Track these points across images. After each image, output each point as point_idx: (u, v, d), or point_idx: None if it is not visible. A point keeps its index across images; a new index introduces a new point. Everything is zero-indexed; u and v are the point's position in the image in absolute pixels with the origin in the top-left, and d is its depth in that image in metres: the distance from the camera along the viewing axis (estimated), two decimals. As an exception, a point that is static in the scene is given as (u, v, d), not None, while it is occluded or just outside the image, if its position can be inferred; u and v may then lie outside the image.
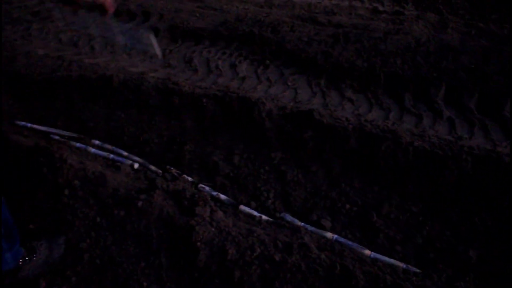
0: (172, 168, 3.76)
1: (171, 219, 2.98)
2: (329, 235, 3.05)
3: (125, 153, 4.00)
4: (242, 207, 3.31)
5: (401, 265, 2.86)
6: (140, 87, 4.14)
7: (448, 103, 3.94)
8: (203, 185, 3.55)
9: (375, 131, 3.25)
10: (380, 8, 5.54)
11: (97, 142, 4.13)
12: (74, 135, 4.18)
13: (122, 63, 4.77)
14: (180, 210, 3.01)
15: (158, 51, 3.52)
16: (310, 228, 3.10)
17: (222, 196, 3.44)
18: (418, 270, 2.84)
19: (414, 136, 3.21)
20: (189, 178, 3.63)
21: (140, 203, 3.11)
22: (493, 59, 4.25)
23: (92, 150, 4.01)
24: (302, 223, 3.14)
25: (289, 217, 3.21)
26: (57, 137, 4.12)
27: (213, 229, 2.83)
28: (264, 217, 3.21)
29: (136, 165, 3.86)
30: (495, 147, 3.51)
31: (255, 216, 3.22)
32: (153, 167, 3.84)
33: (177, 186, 3.23)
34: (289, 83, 4.25)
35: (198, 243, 2.79)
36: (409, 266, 2.86)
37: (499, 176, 3.05)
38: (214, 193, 3.46)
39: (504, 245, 2.94)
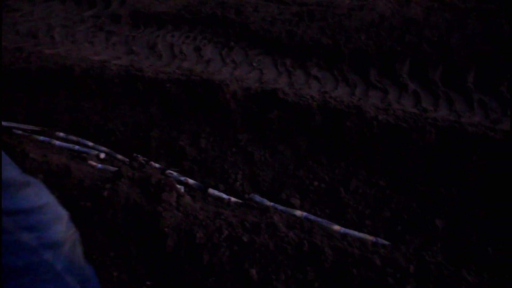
0: (139, 155, 3.70)
1: (138, 207, 2.93)
2: (298, 213, 3.05)
3: (90, 144, 3.93)
4: (210, 190, 3.28)
5: (370, 238, 2.88)
6: (102, 76, 4.05)
7: (413, 76, 3.96)
8: (171, 171, 3.51)
9: (340, 107, 3.24)
10: (345, -15, 5.51)
11: (61, 134, 4.04)
12: (37, 128, 4.08)
13: (84, 52, 4.66)
14: (147, 197, 2.96)
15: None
16: (279, 207, 3.10)
17: (190, 181, 3.40)
18: (387, 242, 2.86)
19: (379, 110, 3.22)
20: (157, 165, 3.58)
21: (105, 193, 3.05)
22: (456, 32, 4.28)
23: (57, 142, 3.92)
24: (272, 203, 3.13)
25: (258, 198, 3.20)
26: (19, 132, 4.02)
27: (180, 214, 2.79)
28: (233, 199, 3.19)
29: (102, 155, 3.79)
30: (459, 118, 3.54)
31: (224, 198, 3.19)
32: (119, 156, 3.78)
33: (143, 173, 3.18)
34: (255, 64, 4.21)
35: (166, 229, 2.75)
36: (378, 239, 2.88)
37: (462, 146, 3.08)
38: (182, 178, 3.43)
39: (468, 213, 2.99)
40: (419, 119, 3.15)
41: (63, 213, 2.11)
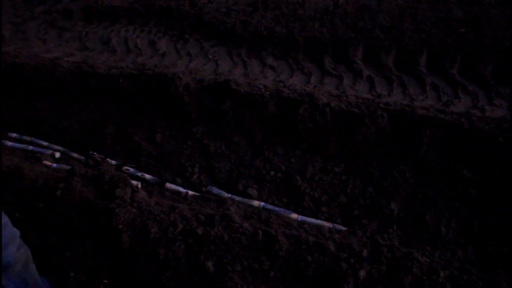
0: (95, 153, 3.64)
1: (92, 205, 2.88)
2: (256, 203, 3.05)
3: (45, 143, 3.84)
4: (168, 184, 3.26)
5: (327, 224, 2.91)
6: (54, 73, 3.95)
7: (367, 62, 3.99)
8: (127, 167, 3.46)
9: (293, 95, 3.24)
10: (300, -26, 5.51)
11: (14, 134, 3.94)
12: (-13, 129, 3.96)
13: (35, 50, 4.53)
14: (100, 194, 2.92)
15: None
16: (237, 198, 3.09)
17: (147, 176, 3.37)
18: (344, 228, 2.89)
19: (331, 97, 3.23)
20: (113, 162, 3.53)
21: (59, 192, 2.99)
22: (408, 17, 4.32)
23: (9, 143, 3.82)
24: (229, 195, 3.13)
25: (215, 190, 3.19)
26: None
27: (134, 210, 2.76)
28: (190, 192, 3.17)
29: (57, 154, 3.72)
30: (413, 101, 3.59)
31: (181, 192, 3.17)
32: (75, 154, 3.71)
33: (97, 171, 3.12)
34: (210, 56, 4.17)
35: (120, 226, 2.72)
36: (335, 224, 2.91)
37: (414, 129, 3.13)
38: (139, 174, 3.39)
39: (423, 194, 3.04)
40: (371, 105, 3.18)
41: (15, 232, 2.07)
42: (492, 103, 3.55)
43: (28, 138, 3.87)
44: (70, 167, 3.29)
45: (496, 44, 3.85)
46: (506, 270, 2.56)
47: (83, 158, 3.64)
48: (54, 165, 3.52)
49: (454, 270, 2.46)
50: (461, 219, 2.95)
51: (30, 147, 3.77)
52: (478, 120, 3.16)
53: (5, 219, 1.97)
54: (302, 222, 2.89)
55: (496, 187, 2.99)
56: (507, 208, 2.96)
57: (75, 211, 2.91)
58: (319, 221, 2.94)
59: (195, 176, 3.25)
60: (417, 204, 3.03)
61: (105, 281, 2.77)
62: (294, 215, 2.96)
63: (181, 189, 3.20)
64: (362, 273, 2.38)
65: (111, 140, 3.62)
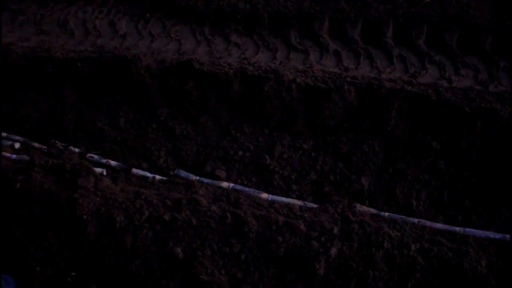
0: (57, 142, 3.50)
1: (54, 196, 2.77)
2: (225, 184, 2.99)
3: (3, 134, 3.67)
4: (134, 170, 3.16)
5: (298, 203, 2.87)
6: (7, 60, 3.76)
7: (333, 36, 3.92)
8: (91, 154, 3.34)
9: (257, 72, 3.16)
10: None
11: (-33, 126, 3.76)
12: None
13: (-13, 35, 4.30)
14: (62, 184, 2.81)
15: None
16: (205, 180, 3.02)
17: (113, 162, 3.26)
18: (315, 205, 2.86)
19: (297, 73, 3.17)
20: (76, 149, 3.40)
21: (18, 185, 2.86)
22: (373, -13, 4.25)
23: (-38, 136, 3.64)
24: (197, 177, 3.05)
25: (183, 173, 3.11)
26: None
27: (98, 199, 2.67)
28: (157, 177, 3.08)
29: (17, 145, 3.56)
30: (380, 74, 3.55)
31: (148, 177, 3.08)
32: (36, 144, 3.55)
33: (57, 160, 3.00)
34: (172, 35, 4.03)
35: (84, 216, 2.63)
36: (306, 202, 2.88)
37: (381, 101, 3.10)
38: (104, 161, 3.27)
39: (392, 167, 3.03)
40: (337, 79, 3.12)
41: None
42: (458, 73, 3.54)
43: (-16, 129, 3.70)
44: (30, 158, 3.15)
45: (461, 13, 3.82)
46: (475, 239, 2.57)
47: (45, 147, 3.50)
48: (14, 156, 3.37)
49: (425, 243, 2.45)
50: (431, 190, 2.95)
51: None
52: (445, 91, 3.15)
53: None
54: (273, 202, 2.84)
55: (464, 157, 3.00)
56: (475, 177, 2.97)
57: (36, 203, 2.80)
58: (289, 200, 2.90)
59: (162, 159, 3.17)
60: (387, 178, 3.02)
61: (73, 274, 2.68)
62: (264, 195, 2.91)
63: (148, 174, 3.11)
64: (333, 251, 2.36)
65: (73, 127, 3.49)
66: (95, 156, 3.32)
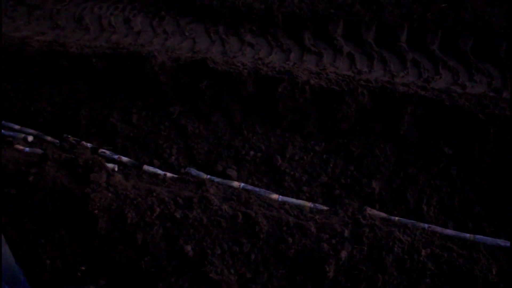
0: (69, 136, 3.53)
1: (66, 190, 2.79)
2: (235, 184, 2.99)
3: (17, 127, 3.70)
4: (145, 167, 3.17)
5: (308, 204, 2.87)
6: (23, 53, 3.79)
7: (347, 38, 3.92)
8: (103, 150, 3.36)
9: (271, 73, 3.16)
10: None
11: (-18, 118, 3.79)
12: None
13: (3, 29, 4.34)
14: (75, 178, 2.83)
15: None
16: (216, 179, 3.03)
17: (124, 158, 3.27)
18: (325, 208, 2.86)
19: (311, 75, 3.17)
20: (88, 144, 3.42)
21: (31, 178, 2.89)
22: (389, -10, 4.24)
23: (-22, 127, 3.68)
24: (208, 176, 3.06)
25: (194, 171, 3.12)
26: None
27: (110, 194, 2.68)
28: (168, 174, 3.09)
29: (30, 138, 3.58)
30: (393, 78, 3.55)
31: (159, 174, 3.09)
32: (49, 138, 3.58)
33: (70, 154, 3.02)
34: (187, 33, 4.05)
35: (96, 211, 2.64)
36: (316, 204, 2.87)
37: (394, 106, 3.09)
38: (115, 157, 3.29)
39: (403, 172, 3.02)
40: (351, 82, 3.12)
41: None
42: (472, 79, 3.53)
43: (-1, 122, 3.73)
44: (43, 151, 3.18)
45: (476, 19, 3.81)
46: (485, 246, 2.56)
47: (58, 141, 3.52)
48: (27, 149, 3.39)
49: (435, 248, 2.45)
50: (442, 196, 2.94)
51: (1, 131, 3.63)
52: (458, 97, 3.13)
53: None
54: (283, 203, 2.84)
55: (476, 164, 2.99)
56: (486, 183, 2.96)
57: (49, 197, 2.82)
58: (300, 201, 2.90)
59: (173, 157, 3.18)
60: (398, 182, 3.02)
61: (82, 268, 2.70)
62: (275, 196, 2.91)
63: (159, 171, 3.12)
64: (343, 253, 2.36)
65: (86, 122, 3.51)
66: (107, 152, 3.34)
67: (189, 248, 2.46)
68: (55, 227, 2.79)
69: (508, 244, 2.60)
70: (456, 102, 3.08)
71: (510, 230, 2.80)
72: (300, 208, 2.78)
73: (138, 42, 4.00)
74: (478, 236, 2.66)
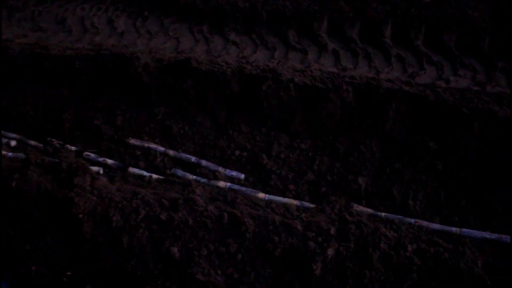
0: (53, 139, 3.49)
1: (50, 195, 2.76)
2: (222, 184, 2.98)
3: (-1, 132, 3.66)
4: (131, 169, 3.15)
5: (295, 202, 2.87)
6: (4, 56, 3.74)
7: (332, 35, 3.91)
8: (88, 153, 3.33)
9: (255, 72, 3.15)
10: None
11: (-36, 123, 3.74)
12: None
13: (-17, 32, 4.29)
14: (59, 183, 2.80)
15: None
16: (202, 180, 3.02)
17: (109, 161, 3.25)
18: (312, 205, 2.85)
19: (296, 72, 3.16)
20: (73, 148, 3.39)
21: (14, 184, 2.85)
22: (372, -13, 4.24)
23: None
24: (194, 176, 3.05)
25: (180, 172, 3.10)
26: None
27: (94, 198, 2.66)
28: (154, 176, 3.07)
29: (13, 143, 3.55)
30: (378, 74, 3.54)
31: (145, 176, 3.07)
32: (32, 142, 3.55)
33: (54, 159, 2.99)
34: (171, 33, 4.02)
35: (80, 215, 2.62)
36: (303, 202, 2.87)
37: (379, 102, 3.09)
38: (101, 159, 3.27)
39: (389, 167, 3.02)
40: (336, 79, 3.11)
41: None
42: (456, 74, 3.54)
43: (-20, 126, 3.68)
44: (26, 156, 3.14)
45: (460, 14, 3.82)
46: (471, 239, 2.58)
47: (41, 145, 3.49)
48: (10, 154, 3.36)
49: (422, 243, 2.45)
50: (428, 191, 2.95)
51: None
52: (443, 91, 3.14)
53: None
54: (270, 202, 2.84)
55: (461, 158, 3.00)
56: (472, 177, 2.97)
57: (32, 202, 2.79)
58: (286, 200, 2.89)
59: (159, 159, 3.15)
60: (385, 178, 3.02)
61: (68, 273, 2.68)
62: (261, 195, 2.91)
63: (145, 173, 3.10)
64: (330, 251, 2.35)
65: (69, 125, 3.48)
66: (92, 155, 3.31)
67: (175, 250, 2.45)
68: (40, 233, 2.76)
69: (494, 236, 2.61)
70: (440, 97, 3.09)
71: (496, 223, 2.81)
72: (286, 206, 2.78)
73: (122, 43, 3.96)
74: (464, 230, 2.68)
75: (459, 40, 3.75)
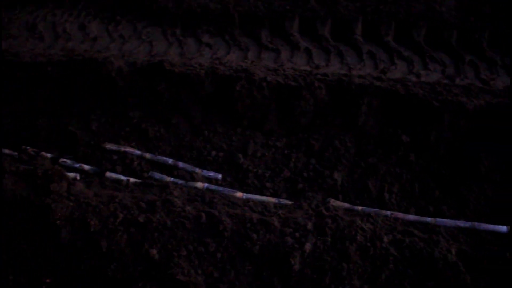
0: (28, 147, 3.46)
1: (26, 202, 2.73)
2: (199, 185, 2.99)
3: (-29, 142, 3.61)
4: (108, 173, 3.14)
5: (273, 200, 2.89)
6: (-25, 65, 3.69)
7: (304, 34, 3.96)
8: (64, 159, 3.31)
9: (229, 72, 3.18)
10: None
11: None
12: None
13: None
14: (35, 190, 2.77)
15: None
16: (180, 181, 3.02)
17: (86, 167, 3.23)
18: (289, 202, 2.88)
19: (268, 72, 3.19)
20: (48, 155, 3.36)
21: (-12, 192, 2.82)
22: (342, -15, 4.30)
23: None
24: (171, 178, 3.05)
25: (157, 175, 3.10)
26: None
27: (71, 204, 2.64)
28: (132, 179, 3.07)
29: (-14, 152, 3.50)
30: (350, 70, 3.61)
31: (122, 180, 3.06)
32: (7, 151, 3.49)
33: (29, 166, 2.96)
34: (144, 37, 4.02)
35: (58, 221, 2.60)
36: (280, 200, 2.90)
37: (352, 97, 3.15)
38: (77, 165, 3.24)
39: (364, 162, 3.07)
40: (308, 76, 3.16)
41: None
42: (426, 68, 3.63)
43: (-47, 137, 3.63)
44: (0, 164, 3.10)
45: (427, 10, 3.91)
46: (445, 228, 2.64)
47: (16, 153, 3.45)
48: (-16, 163, 3.31)
49: (397, 234, 2.50)
50: (403, 183, 3.01)
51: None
52: (413, 86, 3.21)
53: None
54: (247, 200, 2.86)
55: (433, 150, 3.07)
56: (444, 168, 3.04)
57: (8, 210, 2.75)
58: (264, 198, 2.92)
59: (136, 162, 3.15)
60: (360, 172, 3.07)
61: (48, 281, 2.65)
62: (239, 194, 2.93)
63: (122, 177, 3.09)
64: (307, 246, 2.38)
65: (45, 133, 3.45)
66: (68, 161, 3.29)
67: (154, 251, 2.45)
68: (17, 241, 2.73)
69: (467, 224, 2.69)
70: (411, 90, 3.16)
71: (469, 212, 2.89)
72: (264, 204, 2.80)
73: (95, 48, 3.95)
74: (438, 219, 2.74)
75: (428, 35, 3.84)
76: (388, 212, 2.78)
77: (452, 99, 3.09)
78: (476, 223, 2.70)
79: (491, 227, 2.68)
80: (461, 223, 2.71)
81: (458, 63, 3.63)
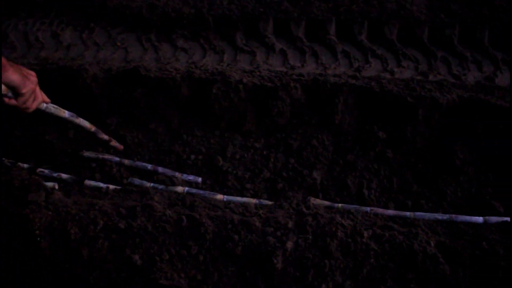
0: (4, 158, 3.41)
1: (3, 214, 2.70)
2: (179, 189, 2.99)
3: None
4: (87, 181, 3.11)
5: (253, 201, 2.91)
6: None
7: (279, 35, 3.99)
8: (41, 169, 3.27)
9: (204, 75, 3.19)
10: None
11: None
12: None
13: None
14: (12, 201, 2.73)
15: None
16: (160, 186, 3.02)
17: (64, 175, 3.20)
18: (270, 202, 2.91)
19: (244, 74, 3.21)
20: (25, 165, 3.32)
21: (-37, 206, 2.77)
22: (315, -14, 4.35)
23: None
24: (151, 184, 3.04)
25: (137, 181, 3.09)
26: None
27: (50, 213, 2.61)
28: (111, 186, 3.05)
29: (-40, 165, 3.44)
30: (325, 70, 3.65)
31: (101, 187, 3.05)
32: (-18, 162, 3.45)
33: (5, 177, 2.92)
34: (119, 44, 4.00)
35: (37, 231, 2.57)
36: (261, 200, 2.92)
37: (327, 96, 3.18)
38: (55, 174, 3.21)
39: (342, 159, 3.11)
40: (284, 77, 3.19)
41: None
42: (400, 65, 3.69)
43: None
44: (-24, 176, 3.05)
45: (399, 8, 3.97)
46: (424, 221, 2.69)
47: (-8, 165, 3.40)
48: (-42, 176, 3.26)
49: (377, 229, 2.54)
50: (381, 179, 3.06)
51: None
52: (387, 83, 3.27)
53: None
54: (228, 202, 2.87)
55: (410, 145, 3.12)
56: (421, 162, 3.10)
57: (-14, 222, 2.71)
58: (245, 199, 2.94)
59: (115, 169, 3.13)
60: (339, 170, 3.11)
61: (29, 291, 2.62)
62: (220, 196, 2.94)
63: (102, 184, 3.07)
64: (289, 244, 2.40)
65: (20, 143, 3.40)
66: (46, 171, 3.25)
67: (136, 257, 2.44)
68: (-4, 253, 2.70)
69: (445, 217, 2.74)
70: (385, 87, 3.21)
71: (446, 204, 2.94)
72: (245, 205, 2.82)
73: (69, 56, 3.92)
74: (417, 213, 2.80)
75: (400, 33, 3.91)
76: (368, 208, 2.82)
77: (426, 95, 3.15)
78: (453, 215, 2.76)
79: (468, 218, 2.74)
80: (439, 216, 2.77)
81: (431, 60, 3.70)
